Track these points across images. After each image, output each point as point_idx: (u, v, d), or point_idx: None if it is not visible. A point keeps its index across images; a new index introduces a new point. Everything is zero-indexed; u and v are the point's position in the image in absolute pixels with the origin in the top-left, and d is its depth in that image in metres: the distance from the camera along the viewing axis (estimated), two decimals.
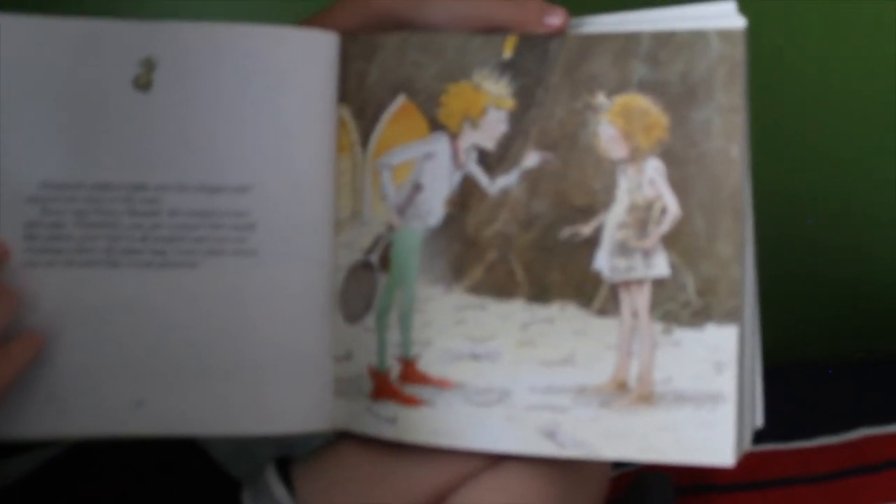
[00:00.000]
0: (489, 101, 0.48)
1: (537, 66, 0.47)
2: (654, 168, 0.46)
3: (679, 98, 0.45)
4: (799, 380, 0.67)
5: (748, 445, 0.45)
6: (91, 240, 0.48)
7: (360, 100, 0.50)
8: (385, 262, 0.49)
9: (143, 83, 0.48)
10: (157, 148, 0.48)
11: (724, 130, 0.45)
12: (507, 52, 0.48)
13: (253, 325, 0.48)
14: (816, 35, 0.66)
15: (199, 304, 0.48)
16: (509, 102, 0.48)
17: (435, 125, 0.49)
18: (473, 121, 0.48)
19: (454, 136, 0.48)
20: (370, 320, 0.49)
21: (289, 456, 0.51)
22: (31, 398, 0.47)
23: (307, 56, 0.49)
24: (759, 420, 0.46)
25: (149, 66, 0.48)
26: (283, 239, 0.48)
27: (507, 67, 0.48)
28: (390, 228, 0.49)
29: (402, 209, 0.49)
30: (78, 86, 0.48)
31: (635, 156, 0.46)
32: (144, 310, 0.48)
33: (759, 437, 0.46)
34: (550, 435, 0.45)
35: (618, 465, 0.64)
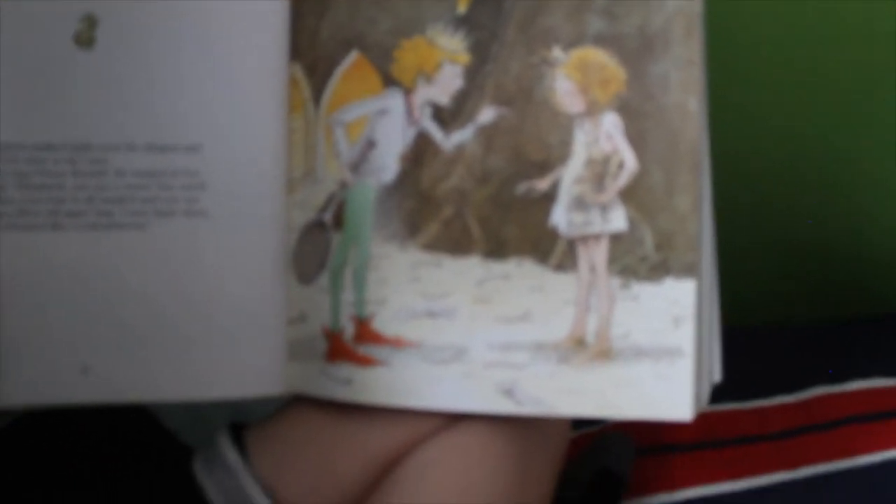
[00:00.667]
0: (444, 56, 0.47)
1: (492, 21, 0.47)
2: (611, 122, 0.45)
3: (636, 51, 0.45)
4: (757, 341, 0.67)
5: (706, 400, 0.45)
6: (34, 202, 0.46)
7: (311, 56, 0.49)
8: (339, 220, 0.48)
9: (84, 40, 0.47)
10: (101, 107, 0.47)
11: (682, 84, 0.44)
12: (462, 7, 0.47)
13: (204, 287, 0.47)
14: None
15: (148, 266, 0.47)
16: (464, 57, 0.47)
17: (388, 81, 0.48)
18: (428, 76, 0.47)
19: (408, 92, 0.47)
20: (324, 280, 0.48)
21: (243, 422, 0.50)
22: None
23: (257, 12, 0.48)
24: (716, 375, 0.46)
25: (90, 22, 0.47)
26: (235, 199, 0.47)
27: (461, 22, 0.47)
28: (343, 186, 0.48)
29: (356, 166, 0.48)
30: (16, 43, 0.46)
31: (592, 110, 0.45)
32: (90, 273, 0.46)
33: (718, 396, 0.46)
34: (508, 392, 0.45)
35: (579, 425, 0.63)
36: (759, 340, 0.68)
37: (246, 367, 0.47)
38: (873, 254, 0.78)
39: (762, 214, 0.73)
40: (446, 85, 0.47)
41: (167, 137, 0.47)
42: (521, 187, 0.46)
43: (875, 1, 0.70)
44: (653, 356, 0.44)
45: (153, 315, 0.47)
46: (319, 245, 0.48)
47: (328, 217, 0.48)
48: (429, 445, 0.46)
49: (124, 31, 0.47)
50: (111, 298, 0.46)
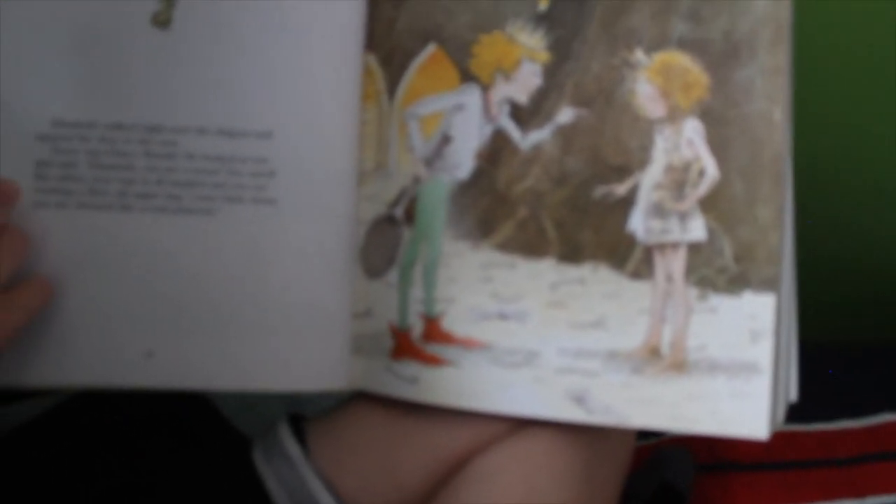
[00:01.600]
0: (523, 53, 0.46)
1: (574, 19, 0.46)
2: (692, 128, 0.44)
3: (721, 57, 0.44)
4: (821, 360, 0.66)
5: (782, 419, 0.44)
6: (104, 182, 0.46)
7: (387, 47, 0.48)
8: (410, 215, 0.47)
9: (162, 20, 0.46)
10: (174, 88, 0.46)
11: (767, 92, 0.43)
12: (543, 4, 0.46)
13: (270, 276, 0.46)
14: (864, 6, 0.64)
15: (215, 252, 0.46)
16: (544, 55, 0.46)
17: (466, 76, 0.47)
18: (506, 73, 0.46)
19: (486, 88, 0.47)
20: (392, 276, 0.47)
21: (301, 413, 0.49)
22: (38, 345, 0.45)
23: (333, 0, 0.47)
24: (793, 393, 0.45)
25: (169, 2, 0.46)
26: (304, 188, 0.47)
27: (542, 19, 0.46)
28: (416, 181, 0.47)
29: (430, 161, 0.47)
30: (93, 20, 0.45)
31: (674, 115, 0.44)
32: (157, 257, 0.46)
33: None
34: (579, 400, 0.44)
35: (638, 438, 0.62)
36: (822, 358, 0.66)
37: (309, 361, 0.46)
38: None
39: (841, 228, 0.71)
40: (525, 83, 0.46)
41: (238, 123, 0.46)
42: (599, 191, 0.45)
43: None
44: (729, 371, 0.43)
45: (218, 302, 0.46)
46: (389, 240, 0.47)
47: (399, 212, 0.47)
48: (494, 450, 0.45)
49: (201, 13, 0.46)
50: (177, 284, 0.46)
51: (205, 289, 0.46)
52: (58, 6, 0.45)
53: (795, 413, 0.58)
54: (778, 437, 0.57)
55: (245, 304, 0.46)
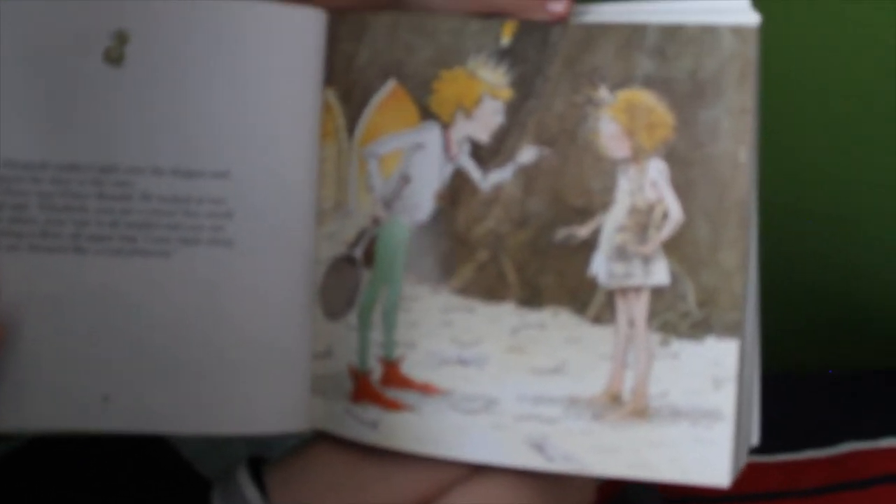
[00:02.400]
0: (484, 90, 0.45)
1: (537, 55, 0.45)
2: (656, 169, 0.44)
3: (686, 96, 0.43)
4: (783, 392, 0.66)
5: (743, 463, 0.44)
6: (57, 224, 0.45)
7: (347, 82, 0.47)
8: (369, 256, 0.46)
9: (114, 57, 0.45)
10: (128, 127, 0.45)
11: (733, 132, 0.42)
12: (506, 39, 0.45)
13: (228, 318, 0.46)
14: (828, 35, 0.64)
15: (172, 294, 0.45)
16: (506, 92, 0.45)
17: (426, 113, 0.46)
18: (467, 110, 0.46)
19: (446, 126, 0.46)
20: (352, 317, 0.46)
21: (262, 455, 0.49)
22: None
23: (291, 34, 0.46)
24: (754, 438, 0.44)
25: (121, 38, 0.45)
26: (262, 229, 0.46)
27: (504, 55, 0.45)
28: (376, 222, 0.46)
29: (389, 202, 0.46)
30: (45, 58, 0.44)
31: (637, 155, 0.44)
32: (113, 300, 0.45)
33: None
34: (538, 447, 0.43)
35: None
36: (786, 389, 0.66)
37: (269, 402, 0.46)
38: None
39: (796, 261, 0.71)
40: (486, 121, 0.45)
41: (194, 162, 0.45)
42: (561, 233, 0.44)
43: None
44: (691, 418, 0.42)
45: (175, 345, 0.45)
46: (348, 281, 0.46)
47: (359, 253, 0.46)
48: (454, 494, 0.45)
49: (155, 50, 0.45)
50: (133, 327, 0.45)
51: (162, 331, 0.45)
52: (7, 45, 0.44)
53: (763, 445, 0.58)
54: (744, 469, 0.57)
55: (203, 346, 0.46)
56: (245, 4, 0.45)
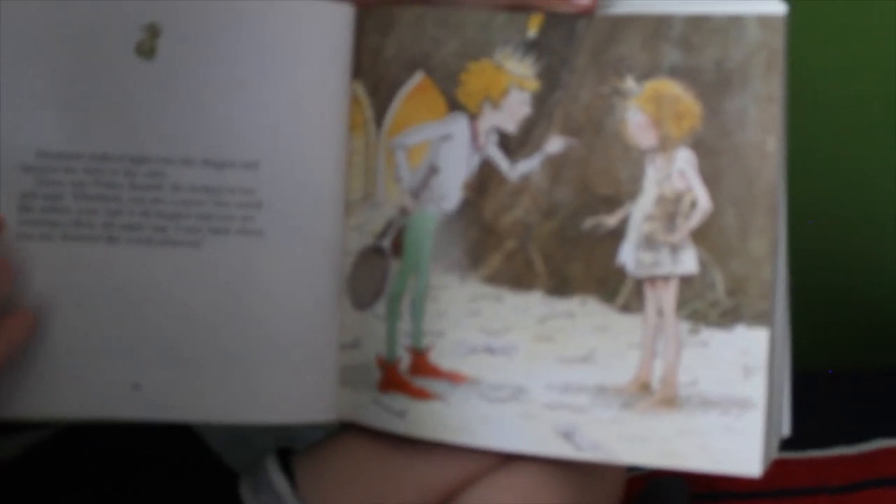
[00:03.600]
0: (511, 82, 0.46)
1: (563, 47, 0.45)
2: (684, 158, 0.44)
3: (713, 86, 0.43)
4: (813, 390, 0.65)
5: (774, 454, 0.43)
6: (89, 213, 0.45)
7: (375, 76, 0.47)
8: (397, 247, 0.46)
9: (146, 50, 0.46)
10: (160, 119, 0.46)
11: (761, 121, 0.42)
12: (532, 31, 0.46)
13: (257, 308, 0.46)
14: (860, 25, 0.63)
15: (202, 284, 0.46)
16: (533, 83, 0.45)
17: (453, 105, 0.46)
18: (494, 101, 0.46)
19: (473, 117, 0.46)
20: (380, 307, 0.47)
21: (289, 447, 0.49)
22: (23, 377, 0.45)
23: (320, 28, 0.46)
24: (785, 428, 0.44)
25: (153, 32, 0.46)
26: (291, 219, 0.46)
27: (531, 47, 0.45)
28: (404, 212, 0.47)
29: (417, 192, 0.47)
30: (77, 50, 0.45)
31: (665, 145, 0.44)
32: (144, 289, 0.46)
33: None
34: (567, 436, 0.43)
35: (631, 468, 0.62)
36: (817, 387, 0.65)
37: (297, 392, 0.46)
38: None
39: (827, 259, 0.71)
40: (513, 111, 0.46)
41: (225, 153, 0.46)
42: (589, 222, 0.44)
43: None
44: (721, 406, 0.42)
45: (205, 335, 0.46)
46: (376, 271, 0.46)
47: (387, 243, 0.47)
48: (482, 485, 0.45)
49: (186, 43, 0.46)
50: (164, 316, 0.46)
51: (191, 321, 0.46)
52: (42, 36, 0.45)
53: (789, 441, 0.58)
54: (773, 466, 0.56)
55: (232, 335, 0.46)
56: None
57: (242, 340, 0.46)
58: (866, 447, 0.62)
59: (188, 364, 0.45)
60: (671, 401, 0.42)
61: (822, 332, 0.70)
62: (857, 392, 0.67)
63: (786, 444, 0.59)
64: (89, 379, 0.45)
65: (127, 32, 0.45)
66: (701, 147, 0.43)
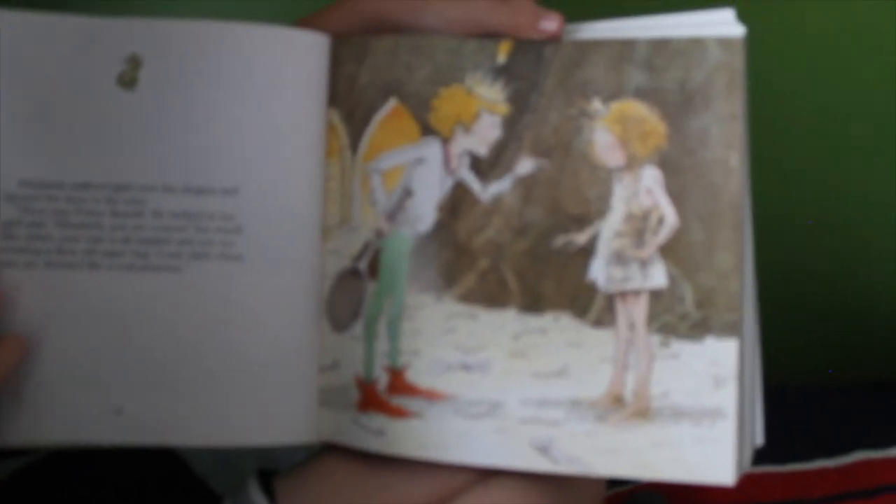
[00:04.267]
0: (482, 106, 0.47)
1: (532, 71, 0.46)
2: (651, 176, 0.45)
3: (677, 106, 0.44)
4: (794, 402, 0.66)
5: (748, 464, 0.44)
6: (71, 241, 0.46)
7: (349, 103, 0.48)
8: (374, 268, 0.47)
9: (127, 80, 0.47)
10: (141, 147, 0.47)
11: (723, 139, 0.44)
12: (502, 57, 0.47)
13: (237, 331, 0.47)
14: (816, 44, 0.65)
15: (183, 309, 0.46)
16: (503, 107, 0.47)
17: (426, 129, 0.47)
18: (466, 125, 0.47)
19: (446, 141, 0.47)
20: (358, 328, 0.47)
21: (272, 468, 0.49)
22: (3, 403, 0.45)
23: (297, 57, 0.48)
24: (759, 438, 0.45)
25: (134, 63, 0.47)
26: (270, 244, 0.47)
27: (500, 72, 0.47)
28: (380, 235, 0.48)
29: (392, 215, 0.48)
30: (60, 81, 0.46)
31: (632, 164, 0.45)
32: (125, 314, 0.46)
33: (754, 458, 0.45)
34: (543, 449, 0.44)
35: (610, 485, 0.62)
36: (797, 401, 0.66)
37: (278, 414, 0.47)
38: None
39: (804, 272, 0.72)
40: (484, 135, 0.47)
41: (204, 179, 0.47)
42: (559, 241, 0.45)
43: None
44: (693, 417, 0.43)
45: (186, 358, 0.46)
46: (354, 293, 0.47)
47: (363, 265, 0.48)
48: (461, 501, 0.45)
49: (167, 73, 0.47)
50: (145, 340, 0.46)
51: (173, 345, 0.46)
52: (26, 66, 0.46)
53: (770, 454, 0.58)
54: (753, 480, 0.57)
55: (213, 359, 0.47)
56: (253, 28, 0.47)
57: (223, 363, 0.47)
58: (847, 459, 0.63)
59: (170, 388, 0.46)
60: (644, 413, 0.43)
61: (803, 345, 0.71)
62: (838, 404, 0.67)
63: (766, 458, 0.59)
64: (71, 404, 0.46)
65: (109, 64, 0.46)
66: (667, 165, 0.44)
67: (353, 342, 0.47)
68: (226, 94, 0.47)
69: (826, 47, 0.65)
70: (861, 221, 0.72)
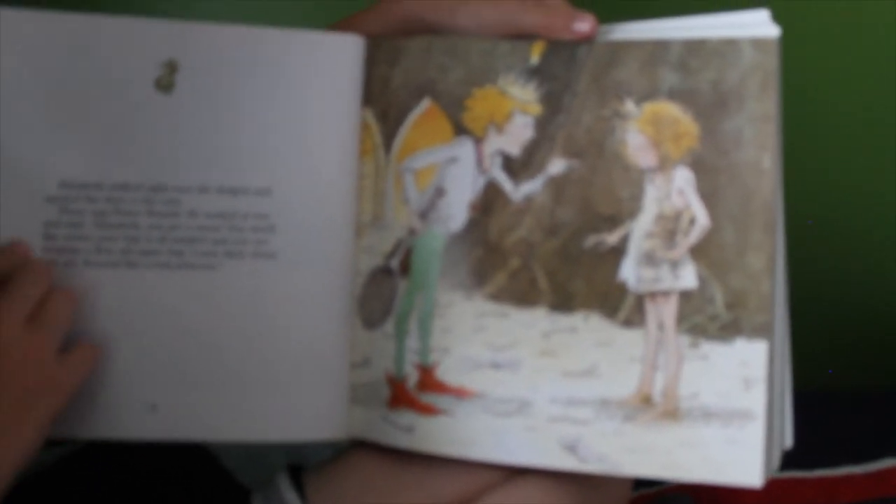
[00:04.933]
0: (515, 106, 0.47)
1: (565, 72, 0.47)
2: (682, 177, 0.45)
3: (710, 107, 0.44)
4: (822, 408, 0.66)
5: (776, 466, 0.44)
6: (109, 240, 0.47)
7: (384, 103, 0.49)
8: (405, 266, 0.48)
9: (164, 84, 0.48)
10: (177, 149, 0.48)
11: (756, 140, 0.44)
12: (534, 58, 0.47)
13: (271, 329, 0.47)
14: (847, 45, 0.64)
15: (217, 306, 0.47)
16: (535, 108, 0.47)
17: (459, 129, 0.48)
18: (499, 126, 0.47)
19: (479, 141, 0.48)
20: (389, 326, 0.48)
21: (301, 463, 0.50)
22: None
23: (332, 60, 0.48)
24: (788, 440, 0.44)
25: (171, 68, 0.48)
26: (304, 242, 0.48)
27: (533, 73, 0.47)
28: (412, 233, 0.48)
29: (425, 213, 0.48)
30: (99, 85, 0.47)
31: (664, 164, 0.45)
32: (161, 311, 0.47)
33: (782, 464, 0.45)
34: (571, 448, 0.44)
35: (637, 486, 0.62)
36: (825, 406, 0.66)
37: (310, 411, 0.47)
38: None
39: (838, 276, 0.71)
40: (517, 135, 0.47)
41: (239, 180, 0.48)
42: (590, 240, 0.46)
43: None
44: (722, 418, 0.43)
45: (220, 355, 0.47)
46: (386, 291, 0.48)
47: (395, 263, 0.48)
48: (489, 498, 0.45)
49: (203, 77, 0.48)
50: (180, 338, 0.47)
51: (207, 342, 0.47)
52: (67, 70, 0.47)
53: (798, 460, 0.58)
54: (781, 484, 0.57)
55: (246, 356, 0.47)
56: (288, 33, 0.48)
57: (257, 360, 0.47)
58: (874, 466, 0.62)
59: (204, 384, 0.47)
60: (673, 413, 0.43)
61: (832, 350, 0.70)
62: (866, 411, 0.67)
63: (794, 463, 0.59)
64: (107, 400, 0.47)
65: (147, 68, 0.48)
66: (699, 166, 0.44)
67: (385, 339, 0.48)
68: (260, 97, 0.48)
69: (855, 46, 0.65)
70: (890, 228, 0.71)
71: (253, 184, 0.48)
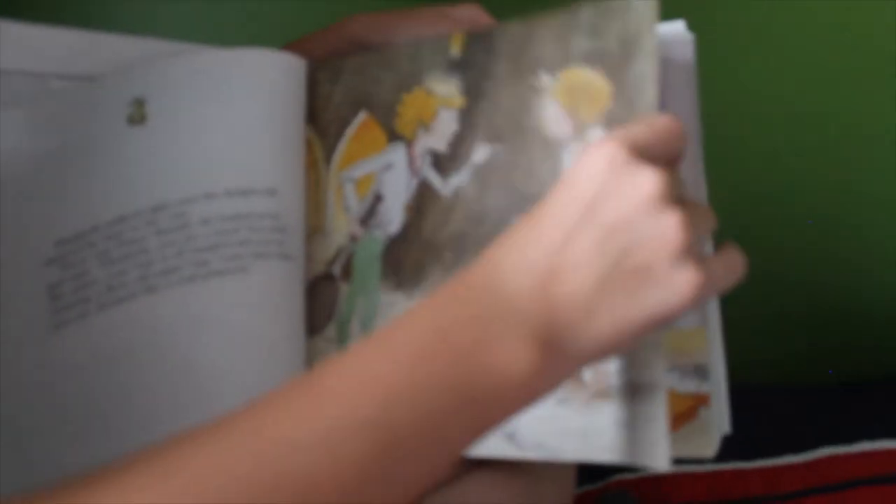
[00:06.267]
0: (440, 103, 0.47)
1: (484, 60, 0.46)
2: (595, 138, 0.43)
3: (617, 60, 0.42)
4: (765, 400, 0.64)
5: (716, 448, 0.40)
6: (120, 275, 0.45)
7: (324, 120, 0.51)
8: (347, 272, 0.49)
9: (137, 119, 0.48)
10: (165, 168, 0.46)
11: (654, 77, 0.41)
12: (455, 50, 0.47)
13: (298, 331, 0.46)
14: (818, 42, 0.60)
15: (253, 308, 0.45)
16: (459, 100, 0.47)
17: (393, 136, 0.48)
18: (426, 125, 0.48)
19: (410, 144, 0.48)
20: (331, 330, 0.49)
21: None
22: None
23: (276, 77, 0.48)
24: (725, 425, 0.40)
25: (139, 104, 0.48)
26: (300, 244, 0.48)
27: (456, 66, 0.47)
28: (353, 239, 0.49)
29: (365, 220, 0.49)
30: (74, 135, 0.46)
31: (579, 130, 0.43)
32: (194, 325, 0.44)
33: (723, 455, 0.42)
34: (510, 436, 0.43)
35: (580, 483, 0.60)
36: (765, 399, 0.63)
37: None
38: (884, 316, 0.73)
39: (772, 276, 0.66)
40: (443, 130, 0.47)
41: (244, 182, 0.46)
42: (517, 222, 0.44)
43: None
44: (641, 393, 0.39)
45: (258, 360, 0.45)
46: (327, 296, 0.49)
47: (337, 269, 0.49)
48: (442, 497, 0.45)
49: (170, 104, 0.48)
50: (219, 345, 0.44)
51: (246, 346, 0.45)
52: (42, 136, 0.46)
53: (742, 452, 0.56)
54: (723, 475, 0.55)
55: (282, 359, 0.46)
56: (237, 52, 0.47)
57: (287, 363, 0.46)
58: (813, 455, 0.60)
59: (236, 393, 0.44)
60: (605, 392, 0.41)
61: (776, 347, 0.67)
62: (806, 403, 0.64)
63: (734, 454, 0.57)
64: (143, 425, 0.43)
65: (116, 110, 0.47)
66: (612, 124, 0.42)
67: (327, 344, 0.49)
68: (221, 110, 0.47)
69: (825, 44, 0.59)
70: (823, 222, 0.66)
71: (259, 184, 0.46)
